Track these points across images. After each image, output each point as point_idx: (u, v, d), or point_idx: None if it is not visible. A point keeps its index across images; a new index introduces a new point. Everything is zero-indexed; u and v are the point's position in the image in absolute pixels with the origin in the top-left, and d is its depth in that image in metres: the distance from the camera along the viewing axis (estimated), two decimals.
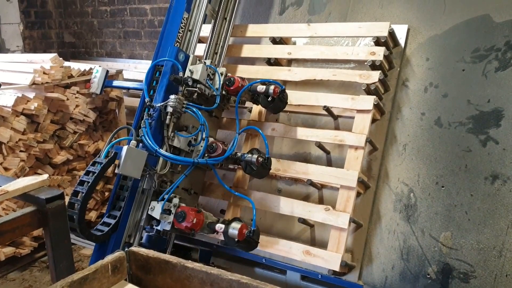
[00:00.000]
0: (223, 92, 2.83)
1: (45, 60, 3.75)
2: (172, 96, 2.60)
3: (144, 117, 2.60)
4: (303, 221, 2.70)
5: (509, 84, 2.64)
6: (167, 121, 2.61)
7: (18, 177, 3.43)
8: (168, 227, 2.49)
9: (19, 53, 5.93)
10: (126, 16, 5.87)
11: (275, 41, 3.20)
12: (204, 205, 3.21)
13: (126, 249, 1.56)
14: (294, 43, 3.30)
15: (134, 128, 2.67)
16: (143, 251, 1.55)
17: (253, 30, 3.31)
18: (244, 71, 3.20)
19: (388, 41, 2.88)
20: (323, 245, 2.69)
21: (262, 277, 2.96)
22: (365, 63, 2.83)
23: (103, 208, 4.15)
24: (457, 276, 2.51)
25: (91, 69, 3.95)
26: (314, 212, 2.67)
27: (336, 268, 2.52)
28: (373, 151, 2.84)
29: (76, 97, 3.89)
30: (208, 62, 2.85)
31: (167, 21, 2.90)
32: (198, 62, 2.81)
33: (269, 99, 2.77)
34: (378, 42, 2.87)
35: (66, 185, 3.89)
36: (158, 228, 2.55)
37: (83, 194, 2.42)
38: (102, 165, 2.45)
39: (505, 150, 2.56)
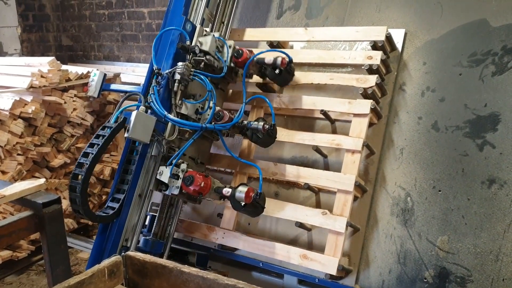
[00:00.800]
0: (231, 65, 2.88)
1: (43, 63, 3.76)
2: (180, 63, 2.65)
3: (152, 84, 2.65)
4: (300, 225, 2.70)
5: (506, 88, 2.65)
6: (175, 88, 2.66)
7: (16, 180, 3.44)
8: (176, 191, 2.56)
9: (17, 56, 5.94)
10: (124, 19, 5.88)
11: (273, 45, 3.20)
12: (200, 209, 3.21)
13: (123, 253, 1.56)
14: (292, 47, 3.31)
15: (142, 95, 2.71)
16: (139, 255, 1.56)
17: (250, 34, 3.31)
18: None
19: (385, 45, 2.89)
20: (320, 249, 2.69)
21: (259, 281, 2.96)
22: (362, 67, 2.83)
23: None
24: (454, 280, 2.51)
25: (88, 72, 3.96)
26: (311, 216, 2.67)
27: (333, 272, 2.52)
28: (370, 155, 2.85)
29: (73, 101, 3.90)
30: (216, 34, 2.88)
31: (164, 25, 2.91)
32: (205, 33, 2.85)
33: (277, 71, 2.81)
34: (375, 46, 2.88)
35: (63, 189, 3.89)
36: (166, 192, 2.61)
37: (92, 155, 2.43)
38: (112, 129, 2.50)
39: (502, 154, 2.57)
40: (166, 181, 2.57)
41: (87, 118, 3.98)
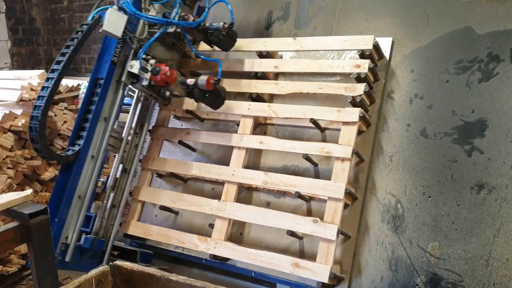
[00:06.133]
0: None
1: (33, 76, 3.76)
2: None
3: None
4: (291, 233, 2.69)
5: (492, 94, 2.68)
6: None
7: None
8: (145, 83, 2.87)
9: (7, 70, 5.93)
10: None
11: (262, 55, 3.22)
12: (191, 220, 3.20)
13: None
14: (281, 57, 3.33)
15: None
16: (127, 265, 1.55)
17: (240, 44, 3.33)
18: (231, 85, 3.21)
19: (373, 54, 2.92)
20: (312, 257, 2.69)
21: None
22: (351, 76, 2.86)
23: None
24: (446, 286, 2.51)
25: (79, 85, 3.96)
26: (302, 224, 2.66)
27: (325, 280, 2.51)
28: (360, 163, 2.86)
29: (64, 113, 3.89)
30: None
31: None
32: None
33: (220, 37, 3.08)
34: (363, 55, 2.90)
35: None
36: (137, 85, 2.93)
37: (73, 47, 2.73)
38: (89, 25, 2.81)
39: (490, 159, 2.59)
40: (137, 72, 2.84)
41: None
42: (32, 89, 3.64)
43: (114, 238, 3.06)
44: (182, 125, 3.49)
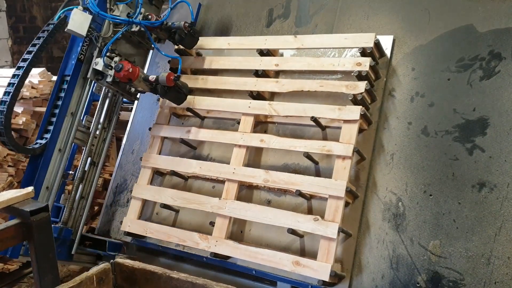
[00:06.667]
0: None
1: (33, 74, 3.77)
2: None
3: None
4: (292, 231, 2.69)
5: (493, 92, 2.67)
6: None
7: None
8: (109, 79, 2.94)
9: (8, 68, 5.92)
10: None
11: (263, 53, 3.22)
12: (192, 218, 3.20)
13: (112, 260, 1.55)
14: (282, 55, 3.32)
15: None
16: (128, 262, 1.55)
17: (240, 42, 3.33)
18: (231, 83, 3.21)
19: (374, 52, 2.91)
20: (313, 255, 2.69)
21: None
22: (352, 74, 2.85)
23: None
24: (447, 285, 2.51)
25: None
26: (303, 223, 2.66)
27: (326, 278, 2.51)
28: (361, 161, 2.86)
29: None
30: None
31: None
32: None
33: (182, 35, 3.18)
34: (364, 52, 2.90)
35: None
36: (102, 81, 2.99)
37: (39, 45, 2.90)
38: (54, 25, 2.95)
39: (491, 158, 2.58)
40: (101, 69, 2.91)
41: None
42: (33, 87, 3.65)
43: (83, 227, 3.24)
44: (182, 123, 3.49)
